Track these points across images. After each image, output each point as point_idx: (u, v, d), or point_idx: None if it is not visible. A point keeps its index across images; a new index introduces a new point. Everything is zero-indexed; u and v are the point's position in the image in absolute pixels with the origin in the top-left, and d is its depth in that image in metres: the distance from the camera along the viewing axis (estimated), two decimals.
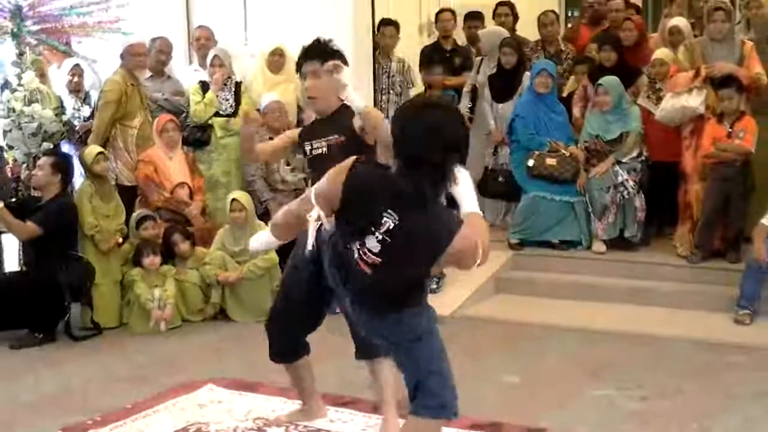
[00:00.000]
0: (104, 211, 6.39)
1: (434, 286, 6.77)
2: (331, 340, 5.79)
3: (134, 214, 6.60)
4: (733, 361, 5.26)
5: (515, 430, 4.15)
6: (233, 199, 6.51)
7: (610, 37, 7.70)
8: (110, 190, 6.55)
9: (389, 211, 2.92)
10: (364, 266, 3.00)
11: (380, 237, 2.93)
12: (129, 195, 6.94)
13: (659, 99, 6.93)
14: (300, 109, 7.63)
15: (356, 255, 3.01)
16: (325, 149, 3.98)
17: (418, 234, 2.91)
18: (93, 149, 6.49)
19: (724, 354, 5.38)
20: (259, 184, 7.06)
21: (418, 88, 8.68)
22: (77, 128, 7.44)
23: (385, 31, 8.17)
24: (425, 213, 2.92)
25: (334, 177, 3.03)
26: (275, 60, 7.49)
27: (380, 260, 2.96)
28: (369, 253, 2.97)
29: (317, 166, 3.86)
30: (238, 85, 7.51)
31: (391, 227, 2.92)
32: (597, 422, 4.28)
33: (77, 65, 7.60)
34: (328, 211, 3.07)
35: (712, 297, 6.20)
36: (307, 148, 4.08)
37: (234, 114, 7.40)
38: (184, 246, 6.47)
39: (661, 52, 7.05)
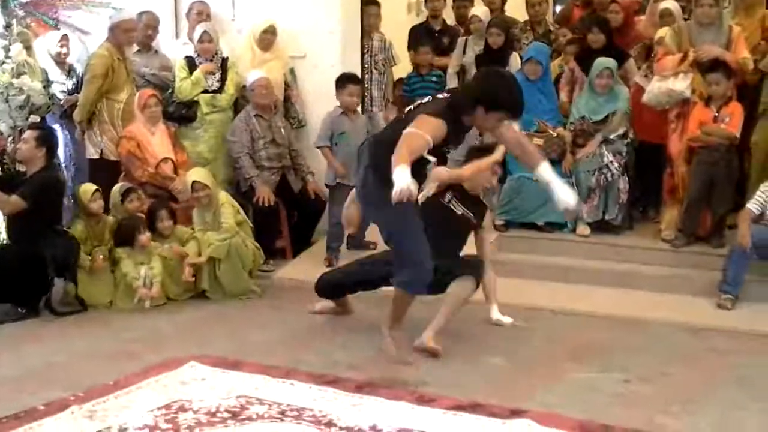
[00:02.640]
0: (87, 249, 6.26)
1: None
2: (315, 321, 5.85)
3: (117, 187, 6.54)
4: (715, 346, 5.30)
5: (497, 410, 4.15)
6: (194, 181, 6.42)
7: (598, 19, 7.69)
8: (103, 228, 6.36)
9: None
10: None
11: None
12: (114, 169, 6.91)
13: None
14: (287, 86, 7.60)
15: None
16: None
17: None
18: (89, 187, 6.34)
19: (706, 338, 5.41)
20: (245, 161, 7.03)
21: (401, 67, 8.66)
22: (62, 102, 7.39)
23: (368, 10, 8.13)
24: None
25: None
26: (266, 37, 7.46)
27: None
28: None
29: None
30: (224, 61, 7.48)
31: None
32: (580, 405, 4.29)
33: (65, 35, 7.54)
34: None
35: (695, 281, 6.22)
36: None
37: (220, 90, 7.37)
38: (168, 223, 6.43)
39: (664, 31, 7.03)
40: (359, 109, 7.43)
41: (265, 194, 6.93)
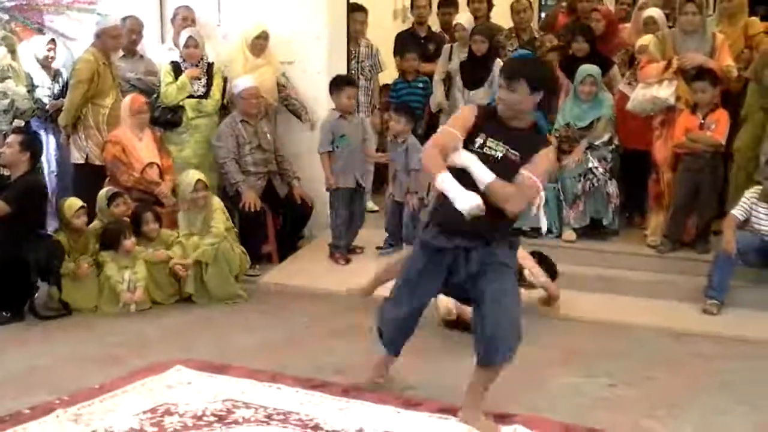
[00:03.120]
0: (74, 257, 6.21)
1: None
2: (301, 326, 5.84)
3: (103, 191, 6.51)
4: (700, 351, 5.32)
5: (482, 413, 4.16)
6: (198, 180, 6.42)
7: (582, 27, 7.73)
8: (85, 241, 6.30)
9: None
10: None
11: None
12: (99, 174, 6.88)
13: None
14: (282, 89, 7.59)
15: None
16: (500, 155, 3.94)
17: None
18: (74, 202, 6.28)
19: (691, 343, 5.44)
20: (231, 166, 7.02)
21: (387, 73, 8.68)
22: (47, 107, 7.37)
23: (354, 16, 8.14)
24: None
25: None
26: (258, 43, 7.45)
27: None
28: None
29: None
30: (210, 66, 7.47)
31: None
32: (565, 409, 4.31)
33: (53, 40, 7.52)
34: None
35: (681, 287, 6.25)
36: (480, 140, 3.98)
37: (206, 95, 7.37)
38: (153, 226, 6.41)
39: (646, 39, 7.08)
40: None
41: (251, 199, 6.92)
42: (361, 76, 8.18)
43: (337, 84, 7.06)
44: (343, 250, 7.12)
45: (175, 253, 6.32)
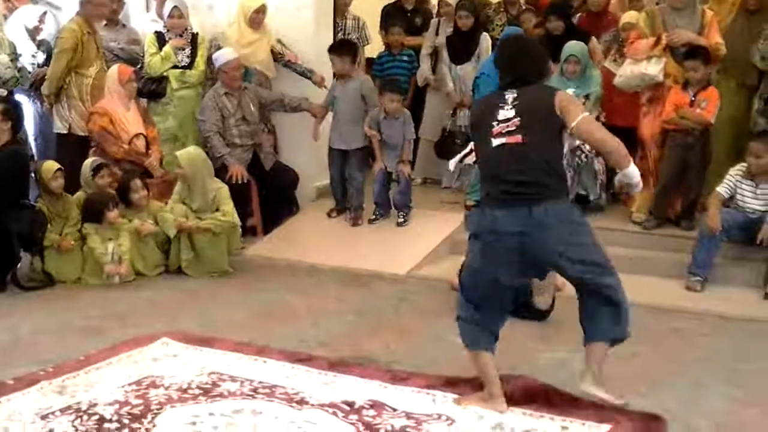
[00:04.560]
0: (57, 228, 6.19)
1: (401, 220, 7.02)
2: (286, 300, 5.84)
3: (88, 161, 6.46)
4: (683, 327, 5.34)
5: (467, 389, 4.17)
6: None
7: (555, 6, 7.69)
8: (64, 206, 6.26)
9: None
10: None
11: None
12: (82, 145, 6.82)
13: None
14: (279, 56, 7.51)
15: None
16: None
17: None
18: (51, 165, 6.23)
19: (675, 320, 5.46)
20: (215, 140, 6.98)
21: (373, 46, 8.63)
22: (30, 75, 7.29)
23: None
24: None
25: None
26: (257, 17, 7.38)
27: None
28: None
29: None
30: (194, 36, 7.41)
31: None
32: (549, 382, 4.31)
33: (45, 12, 7.45)
34: None
35: (665, 263, 6.27)
36: None
37: (190, 66, 7.31)
38: (142, 193, 6.37)
39: (630, 15, 7.08)
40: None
41: (238, 172, 6.90)
42: None
43: (331, 48, 7.28)
44: (337, 206, 7.39)
45: (166, 220, 6.29)
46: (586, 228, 3.97)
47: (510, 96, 3.96)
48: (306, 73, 7.51)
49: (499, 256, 3.84)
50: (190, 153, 6.50)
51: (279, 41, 7.57)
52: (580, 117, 3.87)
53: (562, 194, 3.91)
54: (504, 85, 4.07)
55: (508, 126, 3.87)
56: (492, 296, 3.96)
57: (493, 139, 3.89)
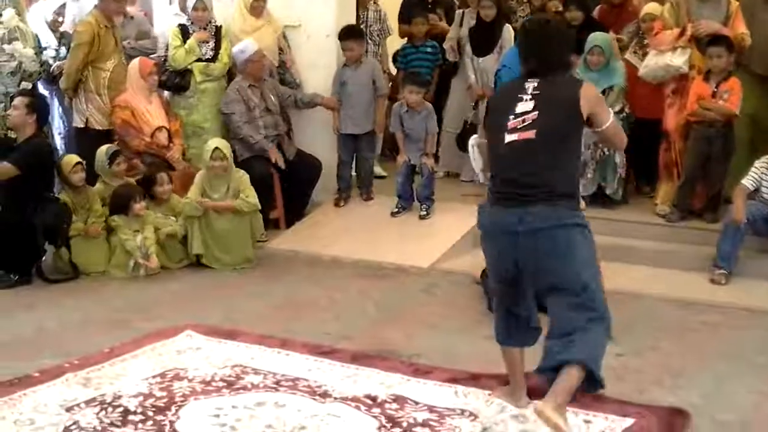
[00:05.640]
0: (81, 219, 6.22)
1: (424, 213, 7.05)
2: (308, 292, 5.85)
3: (103, 149, 6.44)
4: (707, 320, 5.31)
5: (490, 383, 4.16)
6: (215, 148, 6.41)
7: None
8: (86, 198, 6.29)
9: None
10: None
11: None
12: (99, 139, 6.80)
13: (646, 55, 6.91)
14: (281, 51, 7.54)
15: None
16: None
17: None
18: (71, 158, 6.29)
19: (699, 313, 5.42)
20: (246, 129, 7.00)
21: (394, 37, 8.62)
22: (52, 68, 7.33)
23: None
24: None
25: None
26: (257, 5, 7.39)
27: None
28: None
29: None
30: (218, 29, 7.41)
31: None
32: None
33: (63, 5, 7.47)
34: None
35: (689, 256, 6.22)
36: None
37: (214, 59, 7.32)
38: (168, 187, 6.42)
39: (651, 7, 7.01)
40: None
41: (277, 156, 7.02)
42: (369, 41, 8.13)
43: (340, 35, 7.39)
44: (342, 193, 7.54)
45: (186, 208, 6.33)
46: (581, 237, 3.68)
47: (530, 85, 3.72)
48: (291, 85, 7.53)
49: (500, 254, 3.72)
50: (224, 143, 6.56)
51: (284, 36, 7.57)
52: (610, 121, 3.75)
53: (564, 196, 3.63)
54: (526, 72, 3.82)
55: (524, 120, 3.66)
56: (505, 291, 3.85)
57: (506, 135, 3.68)
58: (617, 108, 6.98)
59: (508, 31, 7.71)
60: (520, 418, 3.83)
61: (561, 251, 3.57)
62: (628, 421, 3.79)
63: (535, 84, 3.71)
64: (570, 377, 3.49)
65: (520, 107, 3.68)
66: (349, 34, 7.37)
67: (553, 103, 3.67)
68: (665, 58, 6.61)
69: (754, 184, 6.05)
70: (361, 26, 8.00)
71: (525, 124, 3.65)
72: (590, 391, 3.64)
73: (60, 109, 7.53)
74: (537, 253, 3.57)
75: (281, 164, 7.03)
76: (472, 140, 4.10)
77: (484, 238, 3.81)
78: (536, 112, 3.64)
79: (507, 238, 3.62)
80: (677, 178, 6.67)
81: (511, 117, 3.69)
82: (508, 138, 3.67)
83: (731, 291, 5.83)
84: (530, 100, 3.68)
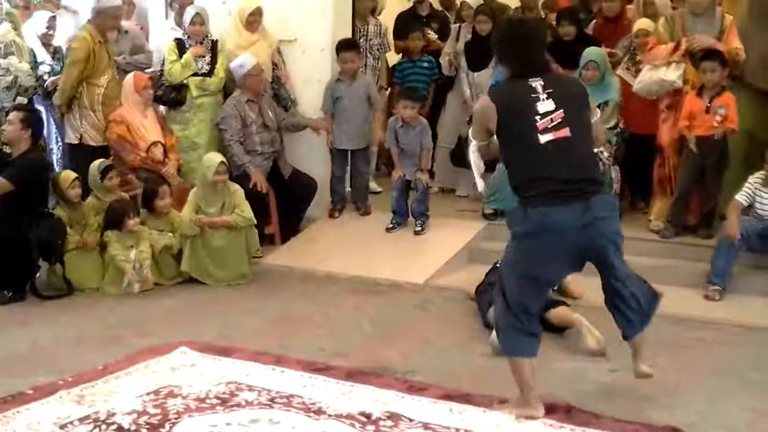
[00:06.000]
0: (76, 235, 6.21)
1: (419, 229, 7.02)
2: (303, 308, 5.84)
3: (95, 164, 6.42)
4: (701, 337, 5.31)
5: (485, 400, 4.16)
6: (221, 162, 6.41)
7: (568, 11, 7.70)
8: (82, 214, 6.30)
9: None
10: None
11: None
12: (94, 155, 6.76)
13: (638, 71, 6.93)
14: (275, 67, 7.55)
15: None
16: None
17: None
18: (68, 174, 6.29)
19: (693, 329, 5.42)
20: (236, 149, 6.99)
21: (393, 52, 8.64)
22: (46, 83, 7.33)
23: None
24: None
25: None
26: (253, 20, 7.40)
27: None
28: None
29: None
30: (214, 43, 7.42)
31: None
32: (566, 393, 4.29)
33: (53, 17, 7.47)
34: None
35: (683, 272, 6.22)
36: None
37: (210, 73, 7.32)
38: (168, 200, 6.43)
39: (643, 23, 7.05)
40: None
41: (260, 181, 6.93)
42: (369, 55, 8.15)
43: (338, 47, 7.38)
44: (336, 204, 7.58)
45: (183, 227, 6.32)
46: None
47: (537, 84, 3.83)
48: (284, 101, 7.53)
49: (548, 254, 3.85)
50: (215, 157, 6.53)
51: (279, 51, 7.58)
52: (598, 116, 4.01)
53: (604, 185, 4.00)
54: (520, 72, 3.90)
55: (552, 119, 3.79)
56: (533, 295, 3.96)
57: (540, 136, 3.77)
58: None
59: None
60: None
61: (618, 232, 3.98)
62: None
63: (541, 83, 3.84)
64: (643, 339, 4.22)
65: (542, 107, 3.81)
66: (348, 46, 7.39)
67: (570, 100, 3.86)
68: (659, 73, 6.63)
69: (747, 200, 6.06)
70: (361, 40, 8.01)
71: (555, 123, 3.79)
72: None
73: (55, 124, 7.52)
74: (602, 240, 3.88)
75: (263, 189, 6.94)
76: (472, 146, 4.09)
77: (533, 237, 3.85)
78: (561, 110, 3.80)
79: (568, 233, 3.79)
80: (671, 193, 6.68)
81: (537, 118, 3.80)
82: (543, 138, 3.79)
83: (725, 307, 5.83)
84: (547, 99, 3.81)
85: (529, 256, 3.89)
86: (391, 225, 7.19)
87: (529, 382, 3.99)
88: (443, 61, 8.09)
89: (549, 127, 3.78)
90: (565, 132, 3.78)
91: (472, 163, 4.47)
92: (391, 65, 8.66)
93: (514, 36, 4.00)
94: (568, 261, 3.96)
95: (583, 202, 3.78)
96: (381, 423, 3.91)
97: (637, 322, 4.16)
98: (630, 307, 4.12)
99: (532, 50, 3.93)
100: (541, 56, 3.97)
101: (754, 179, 6.09)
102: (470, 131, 4.12)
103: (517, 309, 3.93)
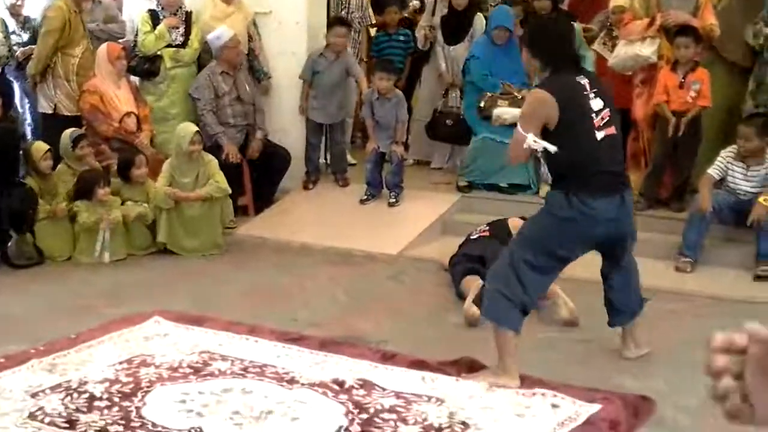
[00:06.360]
0: (46, 204, 6.15)
1: (393, 200, 7.02)
2: (277, 279, 5.84)
3: (67, 132, 6.38)
4: (673, 308, 5.34)
5: (460, 367, 4.19)
6: (196, 131, 6.37)
7: None
8: (53, 184, 6.24)
9: None
10: None
11: None
12: (67, 125, 6.71)
13: (615, 46, 6.94)
14: (251, 39, 7.51)
15: None
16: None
17: None
18: (41, 146, 6.23)
19: (664, 301, 5.44)
20: (209, 118, 6.96)
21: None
22: (17, 54, 7.25)
23: None
24: None
25: None
26: None
27: None
28: None
29: None
30: (188, 15, 7.36)
31: None
32: (537, 363, 4.33)
33: None
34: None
35: (655, 245, 6.24)
36: None
37: (184, 45, 7.27)
38: (144, 169, 6.39)
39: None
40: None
41: (231, 152, 6.90)
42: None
43: (330, 22, 7.45)
44: (310, 176, 7.54)
45: (158, 197, 6.27)
46: None
47: (585, 83, 4.10)
48: (258, 73, 7.50)
49: (577, 237, 4.12)
50: (190, 127, 6.48)
51: (254, 23, 7.53)
52: None
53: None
54: (564, 68, 4.13)
55: (602, 118, 4.07)
56: (552, 271, 4.22)
57: (597, 132, 4.05)
58: None
59: (480, 20, 7.73)
60: (486, 401, 3.85)
61: (635, 230, 4.51)
62: (595, 407, 3.82)
63: (587, 81, 4.12)
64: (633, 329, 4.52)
65: (594, 105, 4.08)
66: (341, 22, 7.40)
67: (610, 100, 4.17)
68: (634, 48, 6.63)
69: (719, 174, 6.11)
70: (342, 12, 7.96)
71: (605, 121, 4.09)
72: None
73: (25, 94, 7.45)
74: (624, 235, 4.31)
75: (234, 160, 6.91)
76: (529, 140, 4.14)
77: (570, 222, 4.07)
78: (608, 109, 4.10)
79: (602, 224, 4.09)
80: (645, 167, 6.71)
81: (593, 115, 4.07)
82: (599, 135, 4.07)
83: (697, 279, 5.89)
84: (596, 97, 4.08)
85: (560, 237, 4.10)
86: (365, 197, 7.19)
87: (512, 352, 4.06)
88: (419, 34, 8.06)
89: (602, 125, 4.07)
90: (612, 130, 4.11)
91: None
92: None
93: (553, 34, 4.31)
94: (589, 246, 4.28)
95: (619, 195, 4.12)
96: (354, 392, 3.93)
97: (625, 316, 4.50)
98: (620, 301, 4.48)
99: (570, 48, 4.32)
100: (576, 54, 4.35)
101: (726, 153, 6.13)
102: (521, 123, 4.16)
103: (520, 282, 4.04)
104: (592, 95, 4.05)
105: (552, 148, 4.03)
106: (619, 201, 4.11)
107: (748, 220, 5.88)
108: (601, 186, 4.06)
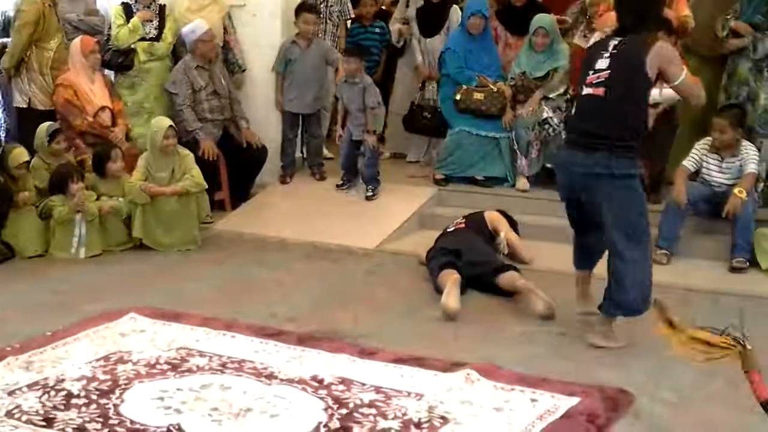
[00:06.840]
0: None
1: (370, 194, 7.01)
2: (254, 274, 5.82)
3: (43, 126, 6.32)
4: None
5: (437, 364, 4.19)
6: (169, 126, 6.32)
7: None
8: (24, 184, 6.17)
9: None
10: None
11: None
12: (42, 119, 6.64)
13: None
14: (226, 32, 7.47)
15: None
16: None
17: None
18: (20, 155, 6.12)
19: None
20: (187, 114, 6.91)
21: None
22: None
23: None
24: None
25: None
26: None
27: None
28: None
29: None
30: (162, 8, 7.31)
31: None
32: (516, 357, 4.35)
33: None
34: None
35: None
36: None
37: (158, 38, 7.22)
38: (121, 163, 6.34)
39: None
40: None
41: (208, 148, 6.85)
42: (328, 21, 8.05)
43: (297, 9, 7.36)
44: (287, 170, 7.56)
45: (132, 191, 6.23)
46: (634, 193, 4.36)
47: (612, 44, 4.28)
48: (232, 66, 7.47)
49: (559, 184, 4.63)
50: (164, 121, 6.43)
51: (229, 17, 7.49)
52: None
53: (626, 151, 4.25)
54: (618, 29, 4.40)
55: (598, 77, 4.25)
56: (570, 215, 4.72)
57: (585, 87, 4.32)
58: (562, 89, 7.07)
59: (456, 12, 7.73)
60: (465, 396, 3.86)
61: (610, 196, 4.30)
62: (574, 400, 3.83)
63: (616, 42, 4.28)
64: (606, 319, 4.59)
65: (599, 64, 4.28)
66: (308, 9, 7.36)
67: (623, 62, 4.22)
68: None
69: (694, 166, 6.15)
70: (321, 6, 7.93)
71: (598, 80, 4.26)
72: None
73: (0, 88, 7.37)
74: (594, 193, 4.34)
75: (212, 157, 6.87)
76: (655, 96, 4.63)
77: (556, 169, 4.76)
78: (609, 71, 4.22)
79: (571, 175, 4.41)
80: None
81: (590, 72, 4.31)
82: (585, 91, 4.34)
83: (673, 271, 5.91)
84: (607, 58, 4.25)
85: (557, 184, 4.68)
86: (341, 182, 7.20)
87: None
88: (393, 29, 8.05)
89: (593, 82, 4.28)
90: (600, 91, 4.25)
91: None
92: None
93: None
94: (568, 193, 4.59)
95: (583, 152, 4.29)
96: (333, 387, 3.92)
97: (611, 304, 4.53)
98: (609, 284, 4.52)
99: (622, 12, 4.42)
100: (626, 18, 4.33)
101: (701, 145, 6.18)
102: (679, 67, 4.33)
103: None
104: (606, 55, 4.25)
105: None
106: (582, 156, 4.30)
107: (723, 211, 5.92)
108: (568, 139, 4.57)
